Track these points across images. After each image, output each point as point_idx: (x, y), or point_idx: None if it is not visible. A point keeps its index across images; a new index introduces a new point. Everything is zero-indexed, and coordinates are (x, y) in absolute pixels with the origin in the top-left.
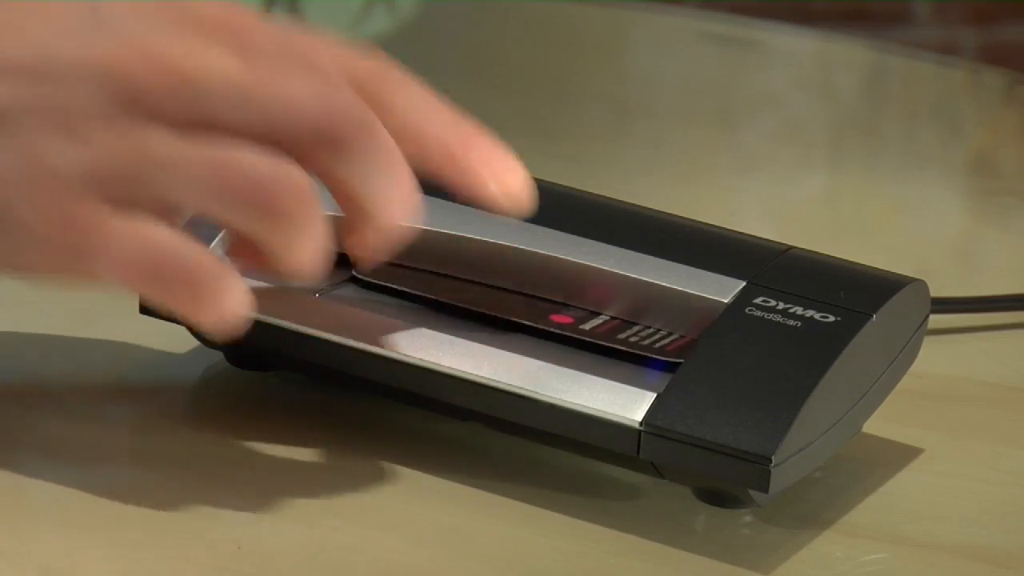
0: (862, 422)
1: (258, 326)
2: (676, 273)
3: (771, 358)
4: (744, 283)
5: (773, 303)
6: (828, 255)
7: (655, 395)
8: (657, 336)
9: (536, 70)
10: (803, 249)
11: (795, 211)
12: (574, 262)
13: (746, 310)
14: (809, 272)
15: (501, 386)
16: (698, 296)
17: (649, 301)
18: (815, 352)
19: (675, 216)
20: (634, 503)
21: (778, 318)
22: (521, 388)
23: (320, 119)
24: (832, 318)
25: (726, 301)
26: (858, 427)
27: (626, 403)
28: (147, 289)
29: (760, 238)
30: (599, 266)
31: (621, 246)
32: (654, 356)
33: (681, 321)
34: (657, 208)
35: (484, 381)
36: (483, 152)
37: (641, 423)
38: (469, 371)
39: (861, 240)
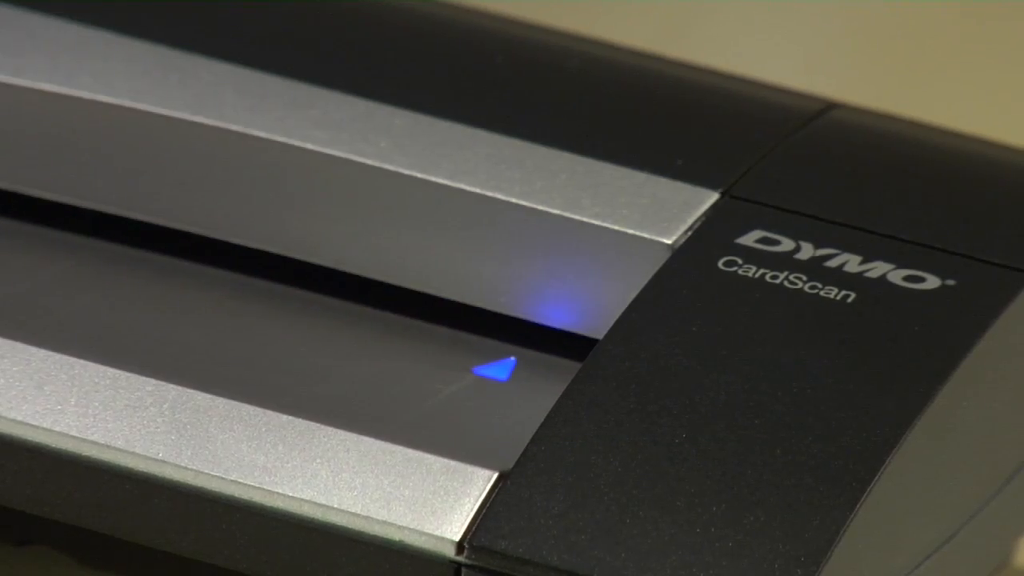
0: (1010, 541)
1: None
2: (554, 177)
3: (777, 400)
4: (717, 195)
5: (784, 243)
6: (919, 123)
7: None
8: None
9: None
10: (860, 109)
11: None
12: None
13: (719, 263)
14: (874, 164)
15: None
16: (594, 228)
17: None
18: (899, 378)
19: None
20: None
21: (798, 283)
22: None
23: None
24: (935, 280)
25: (669, 242)
26: (1002, 554)
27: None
28: None
29: (777, 88)
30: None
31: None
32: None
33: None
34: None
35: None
36: None
37: (460, 548)
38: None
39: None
